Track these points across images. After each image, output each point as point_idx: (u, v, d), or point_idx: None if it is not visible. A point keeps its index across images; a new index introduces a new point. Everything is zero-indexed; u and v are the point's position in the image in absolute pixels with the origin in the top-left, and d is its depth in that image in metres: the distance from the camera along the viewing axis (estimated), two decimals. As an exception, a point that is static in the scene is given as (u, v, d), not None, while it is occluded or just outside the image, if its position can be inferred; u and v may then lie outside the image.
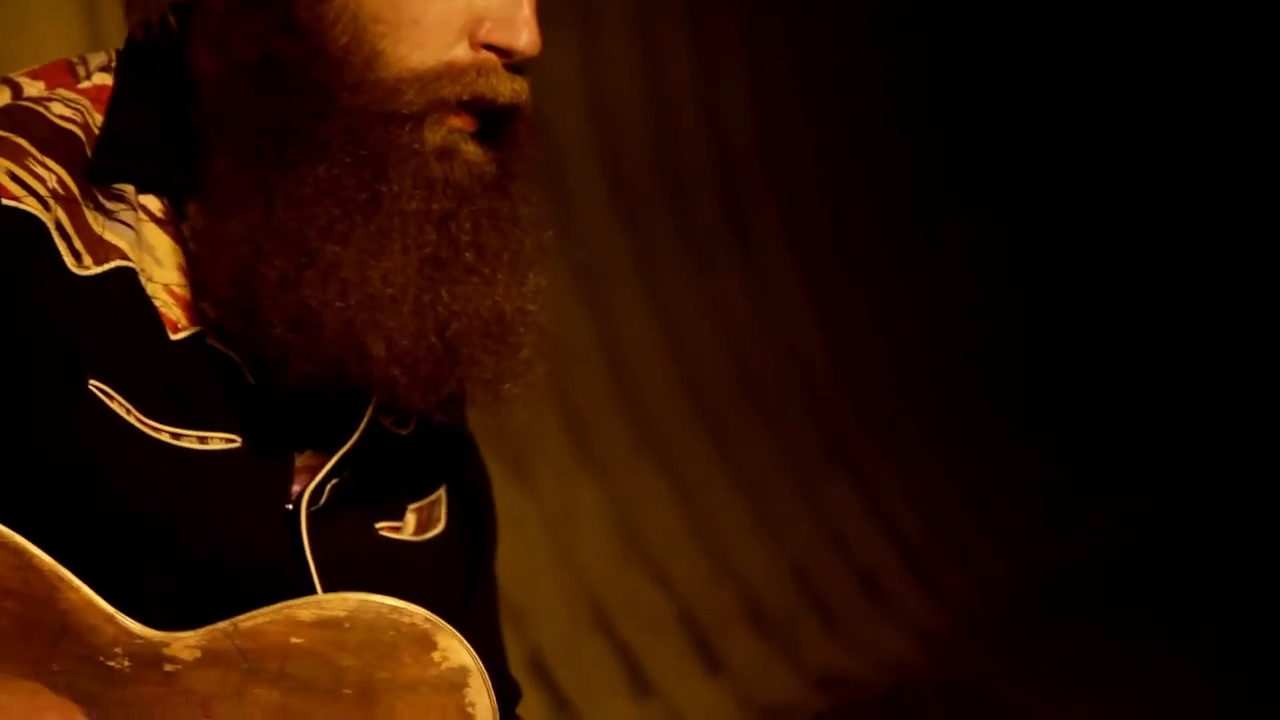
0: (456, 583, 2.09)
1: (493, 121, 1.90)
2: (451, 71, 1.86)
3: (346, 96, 1.85)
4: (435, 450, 2.03)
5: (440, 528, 2.06)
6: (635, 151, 5.64)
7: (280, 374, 1.86)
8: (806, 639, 5.41)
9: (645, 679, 4.91)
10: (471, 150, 1.89)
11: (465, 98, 1.87)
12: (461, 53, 1.86)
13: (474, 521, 2.13)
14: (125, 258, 1.88)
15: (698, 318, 5.78)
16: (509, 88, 1.89)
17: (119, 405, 1.84)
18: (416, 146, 1.86)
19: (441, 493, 2.07)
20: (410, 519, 2.03)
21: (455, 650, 1.84)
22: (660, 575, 5.18)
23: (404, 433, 1.99)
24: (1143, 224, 7.28)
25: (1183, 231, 7.30)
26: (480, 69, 1.87)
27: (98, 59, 1.95)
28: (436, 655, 1.83)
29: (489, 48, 1.87)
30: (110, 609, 1.78)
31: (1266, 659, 5.49)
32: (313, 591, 1.89)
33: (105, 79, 1.93)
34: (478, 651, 1.88)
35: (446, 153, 1.87)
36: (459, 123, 1.88)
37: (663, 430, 5.47)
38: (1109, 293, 7.29)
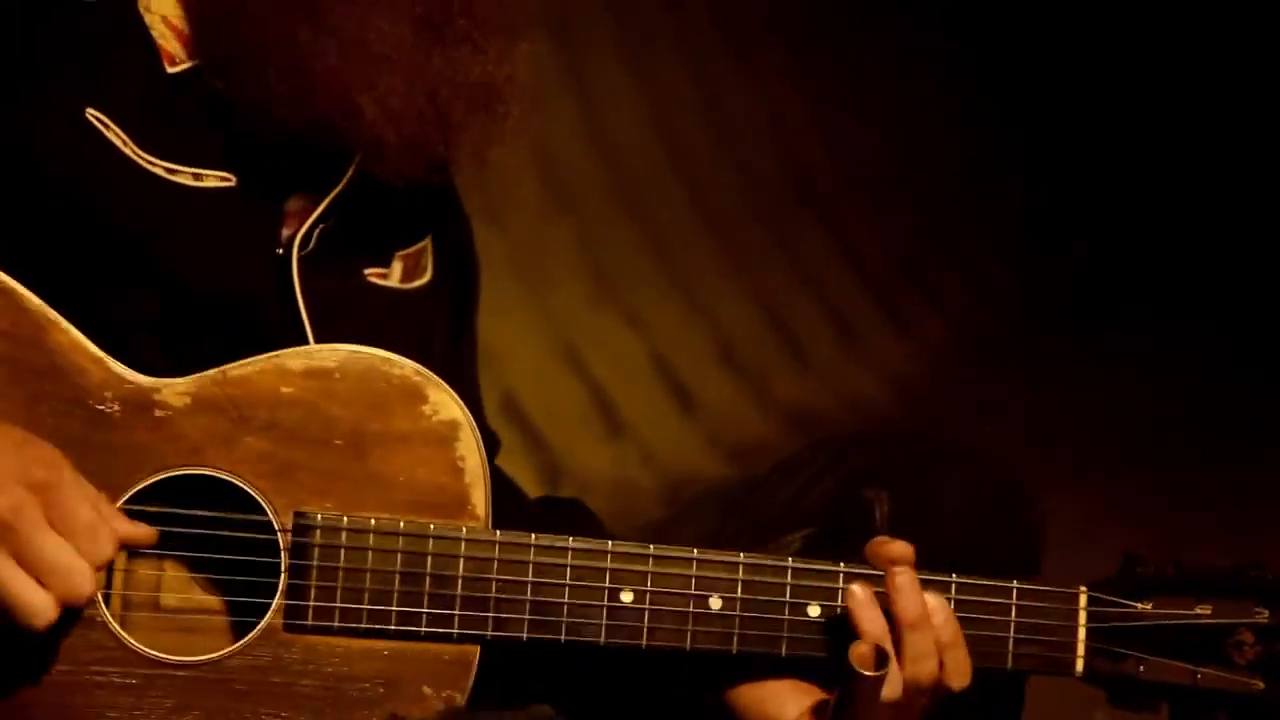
0: (441, 333, 2.10)
1: None
2: None
3: None
4: (422, 199, 2.03)
5: (427, 277, 2.07)
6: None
7: (269, 123, 1.84)
8: (776, 378, 5.45)
9: (617, 418, 4.95)
10: None
11: None
12: None
13: (458, 274, 2.14)
14: None
15: (670, 61, 5.72)
16: None
17: (115, 136, 1.83)
18: None
19: (427, 243, 2.08)
20: (397, 266, 2.03)
21: (446, 404, 1.85)
22: (631, 316, 5.19)
23: (391, 180, 1.98)
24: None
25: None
26: None
27: None
28: (427, 409, 1.84)
29: None
30: (99, 352, 1.79)
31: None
32: (302, 333, 1.89)
33: None
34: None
35: None
36: None
37: (634, 172, 5.44)
38: (1072, 42, 7.22)
